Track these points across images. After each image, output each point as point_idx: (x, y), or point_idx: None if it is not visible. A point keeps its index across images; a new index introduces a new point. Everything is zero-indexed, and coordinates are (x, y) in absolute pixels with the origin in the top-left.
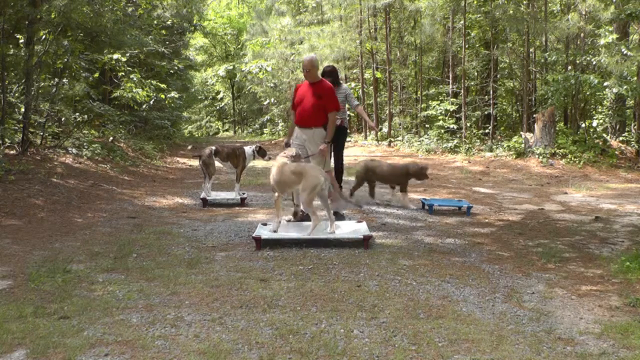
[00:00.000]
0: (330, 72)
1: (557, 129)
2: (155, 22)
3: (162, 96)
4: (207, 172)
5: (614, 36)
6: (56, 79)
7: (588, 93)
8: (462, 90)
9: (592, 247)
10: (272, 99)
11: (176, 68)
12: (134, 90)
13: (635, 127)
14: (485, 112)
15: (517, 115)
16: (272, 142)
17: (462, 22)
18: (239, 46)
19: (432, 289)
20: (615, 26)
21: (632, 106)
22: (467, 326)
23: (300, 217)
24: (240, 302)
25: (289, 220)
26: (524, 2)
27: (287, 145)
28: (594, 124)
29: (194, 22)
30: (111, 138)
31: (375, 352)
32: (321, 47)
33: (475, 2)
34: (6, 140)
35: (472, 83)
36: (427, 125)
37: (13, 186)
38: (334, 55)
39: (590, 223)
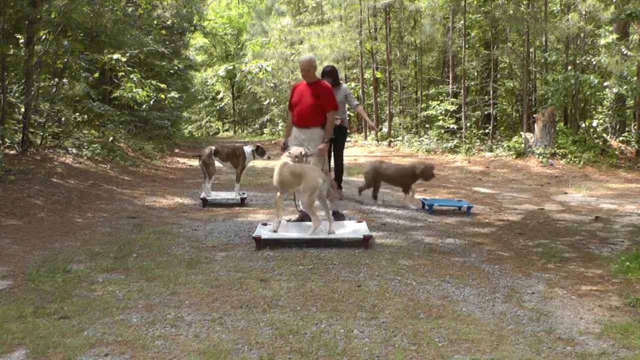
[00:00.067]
0: (330, 72)
1: (557, 129)
2: (155, 22)
3: (162, 96)
4: (207, 172)
5: (614, 36)
6: (56, 79)
7: (588, 93)
8: (462, 90)
9: (592, 247)
10: (272, 99)
11: (176, 68)
12: (134, 90)
13: (635, 127)
14: (485, 112)
15: (517, 115)
16: (272, 142)
17: (462, 22)
18: (239, 46)
19: (432, 289)
20: (615, 26)
21: (632, 106)
22: (467, 326)
23: (301, 216)
24: (240, 302)
25: (289, 220)
26: (524, 2)
27: (285, 145)
28: (594, 124)
29: (194, 22)
30: (111, 138)
31: (375, 352)
32: (321, 47)
33: (475, 2)
34: (6, 140)
35: (472, 83)
36: (427, 125)
37: (13, 186)
38: (334, 55)
39: (590, 223)
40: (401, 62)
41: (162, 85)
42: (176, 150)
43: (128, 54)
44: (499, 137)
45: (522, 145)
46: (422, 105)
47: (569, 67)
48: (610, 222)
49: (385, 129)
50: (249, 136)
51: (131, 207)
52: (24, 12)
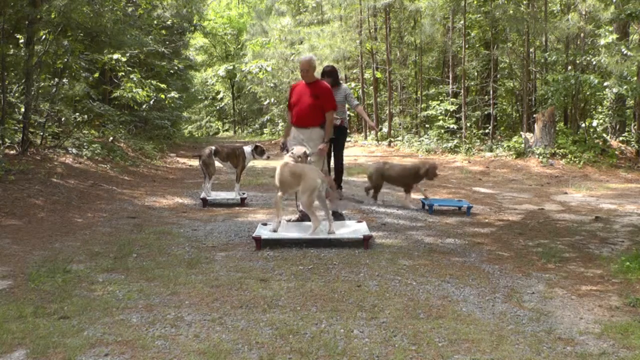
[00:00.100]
0: (330, 72)
1: (557, 129)
2: (155, 22)
3: (162, 96)
4: (207, 172)
5: (614, 36)
6: (56, 79)
7: (588, 93)
8: (462, 90)
9: (592, 247)
10: (272, 99)
11: (176, 68)
12: (134, 90)
13: (635, 127)
14: (485, 112)
15: (517, 115)
16: (272, 142)
17: (462, 22)
18: (239, 46)
19: (432, 289)
20: (615, 26)
21: (632, 106)
22: (467, 326)
23: (301, 217)
24: (240, 302)
25: (289, 220)
26: (524, 2)
27: (284, 145)
28: (594, 124)
29: (194, 22)
30: (111, 138)
31: (375, 352)
32: (321, 47)
33: (475, 2)
34: (6, 140)
35: (472, 83)
36: (427, 125)
37: (13, 186)
38: (334, 55)
39: (590, 223)
40: (401, 62)
41: (162, 85)
42: (175, 152)
43: (128, 54)
44: (499, 137)
45: (522, 145)
46: (422, 105)
47: (569, 67)
48: (610, 222)
49: (385, 129)
50: (249, 136)
51: (131, 207)
52: (24, 12)
